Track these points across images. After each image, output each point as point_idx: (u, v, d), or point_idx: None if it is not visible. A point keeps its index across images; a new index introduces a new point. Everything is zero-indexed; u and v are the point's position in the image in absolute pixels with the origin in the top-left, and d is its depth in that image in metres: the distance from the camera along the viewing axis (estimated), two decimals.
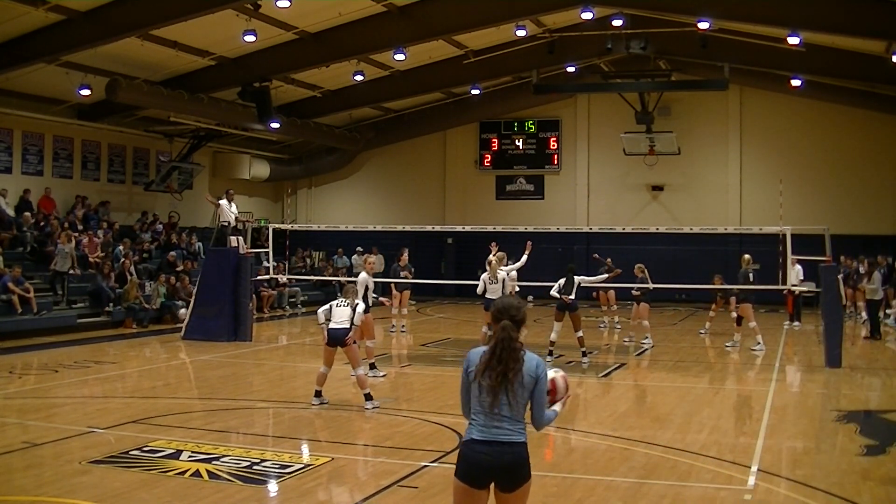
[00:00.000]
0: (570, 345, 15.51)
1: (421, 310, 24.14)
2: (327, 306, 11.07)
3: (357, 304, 11.06)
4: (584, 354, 14.66)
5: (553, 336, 14.72)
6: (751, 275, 16.73)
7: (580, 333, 14.68)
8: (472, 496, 4.49)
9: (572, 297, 14.48)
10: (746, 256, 16.94)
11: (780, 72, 24.64)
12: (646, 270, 17.61)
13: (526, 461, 4.51)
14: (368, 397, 10.68)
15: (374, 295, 13.81)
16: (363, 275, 13.32)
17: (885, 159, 26.93)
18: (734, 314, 17.33)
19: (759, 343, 16.53)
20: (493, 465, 4.44)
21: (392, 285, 20.21)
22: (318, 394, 10.88)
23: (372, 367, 13.18)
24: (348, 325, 10.78)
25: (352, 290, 11.35)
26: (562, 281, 14.67)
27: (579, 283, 14.70)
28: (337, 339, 10.78)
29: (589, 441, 9.21)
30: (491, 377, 4.44)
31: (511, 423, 4.48)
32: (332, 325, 10.84)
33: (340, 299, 11.14)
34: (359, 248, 29.28)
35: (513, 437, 4.47)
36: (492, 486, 4.51)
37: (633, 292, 17.66)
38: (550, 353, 14.60)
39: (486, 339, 13.57)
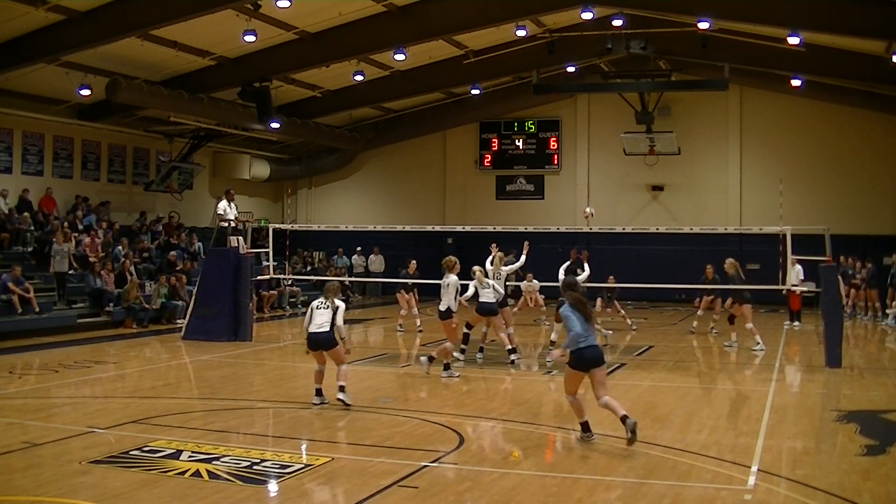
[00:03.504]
0: None
1: (421, 310, 24.14)
2: (309, 310, 10.75)
3: (338, 306, 10.67)
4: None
5: (554, 336, 14.77)
6: (741, 275, 16.88)
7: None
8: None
9: None
10: (731, 261, 16.88)
11: (780, 72, 24.65)
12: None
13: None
14: (342, 388, 10.62)
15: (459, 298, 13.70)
16: (454, 277, 13.20)
17: (885, 159, 26.93)
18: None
19: (758, 343, 16.53)
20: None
21: (402, 289, 20.14)
22: (318, 392, 10.83)
23: (446, 367, 13.14)
24: (328, 329, 10.51)
25: (332, 290, 10.87)
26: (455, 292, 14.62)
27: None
28: (319, 343, 10.56)
29: (589, 441, 9.19)
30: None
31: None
32: (312, 329, 10.57)
33: (320, 300, 10.79)
34: (359, 248, 29.34)
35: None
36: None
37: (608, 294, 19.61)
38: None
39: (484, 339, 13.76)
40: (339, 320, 10.63)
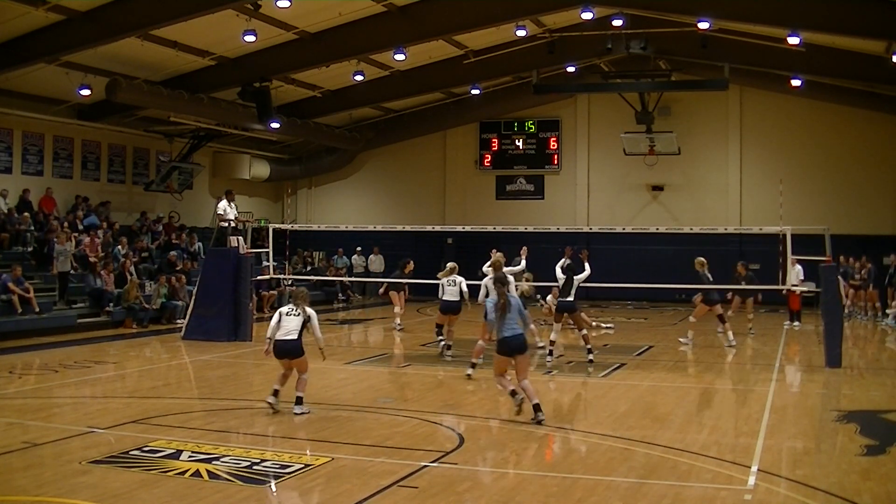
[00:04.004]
0: (570, 345, 15.53)
1: (421, 310, 24.16)
2: (277, 315, 10.38)
3: (310, 314, 10.25)
4: (590, 352, 14.60)
5: (553, 336, 14.77)
6: (708, 275, 17.15)
7: (584, 331, 14.72)
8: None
9: (570, 298, 14.49)
10: (700, 259, 17.15)
11: (780, 72, 24.64)
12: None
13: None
14: (299, 401, 10.30)
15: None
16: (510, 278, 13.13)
17: (885, 159, 26.92)
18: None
19: (688, 339, 17.27)
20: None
21: (390, 287, 20.32)
22: (275, 392, 10.32)
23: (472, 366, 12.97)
24: (296, 337, 10.15)
25: (301, 296, 10.50)
26: (561, 280, 14.72)
27: (578, 284, 14.69)
28: (285, 351, 10.18)
29: (589, 441, 9.20)
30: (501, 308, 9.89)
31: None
32: (279, 336, 10.20)
33: (290, 306, 10.41)
34: (359, 248, 29.34)
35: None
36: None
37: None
38: (550, 353, 14.56)
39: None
40: (317, 331, 10.31)
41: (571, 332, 17.00)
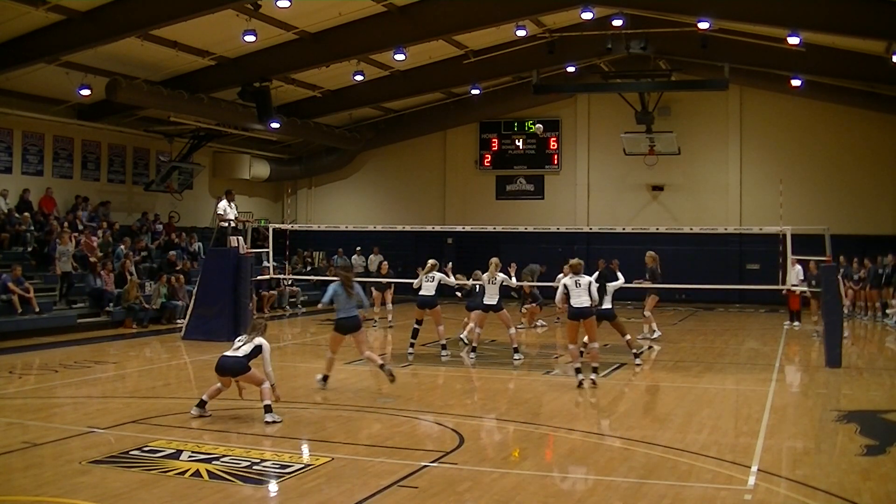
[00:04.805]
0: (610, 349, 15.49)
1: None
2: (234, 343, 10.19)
3: (260, 344, 9.93)
4: (637, 356, 14.52)
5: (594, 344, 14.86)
6: (659, 270, 17.51)
7: (628, 337, 14.57)
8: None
9: (608, 305, 14.17)
10: (652, 253, 17.39)
11: (780, 72, 24.64)
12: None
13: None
14: (268, 409, 9.91)
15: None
16: (587, 277, 12.84)
17: (885, 159, 26.93)
18: (646, 314, 17.92)
19: (654, 332, 17.48)
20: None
21: (373, 286, 21.27)
22: (201, 403, 10.03)
23: (594, 370, 12.76)
24: (242, 356, 9.83)
25: (256, 327, 10.28)
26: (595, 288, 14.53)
27: (612, 291, 14.38)
28: (225, 368, 9.89)
29: (589, 441, 9.20)
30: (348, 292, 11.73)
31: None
32: (227, 353, 10.00)
33: (243, 336, 10.21)
34: (358, 248, 29.33)
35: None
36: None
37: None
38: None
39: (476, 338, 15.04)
40: (267, 364, 9.93)
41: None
